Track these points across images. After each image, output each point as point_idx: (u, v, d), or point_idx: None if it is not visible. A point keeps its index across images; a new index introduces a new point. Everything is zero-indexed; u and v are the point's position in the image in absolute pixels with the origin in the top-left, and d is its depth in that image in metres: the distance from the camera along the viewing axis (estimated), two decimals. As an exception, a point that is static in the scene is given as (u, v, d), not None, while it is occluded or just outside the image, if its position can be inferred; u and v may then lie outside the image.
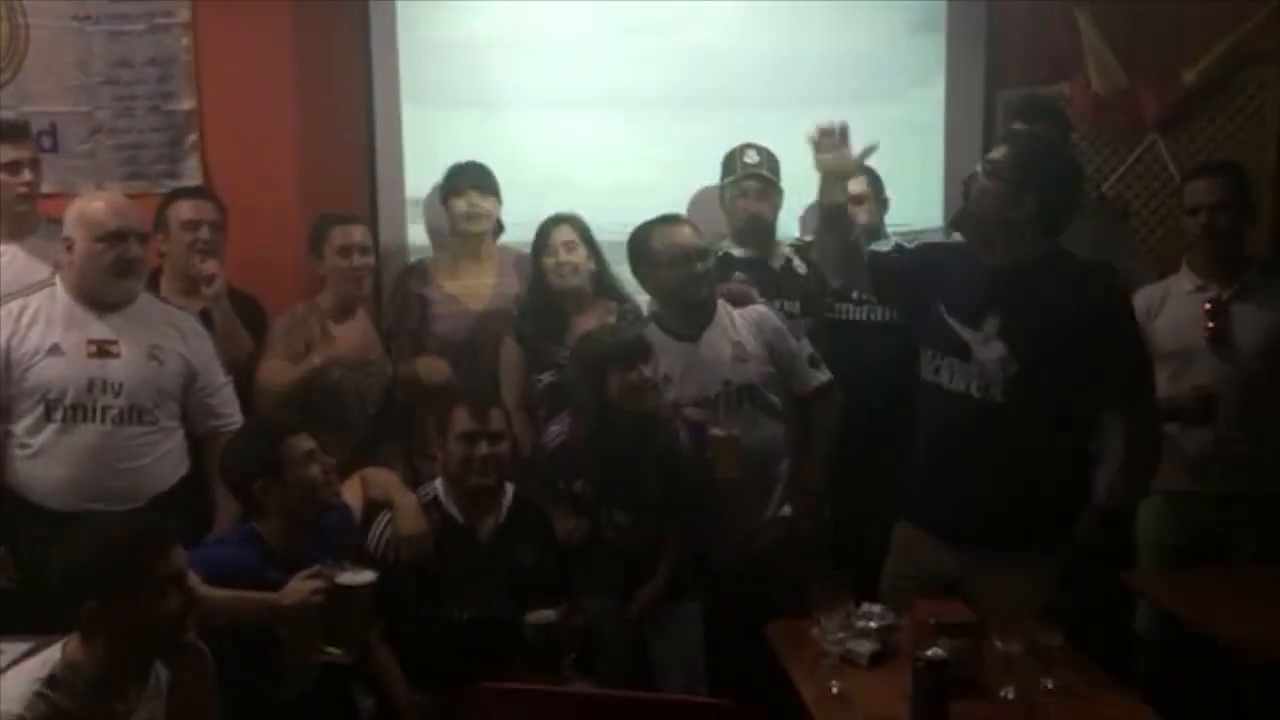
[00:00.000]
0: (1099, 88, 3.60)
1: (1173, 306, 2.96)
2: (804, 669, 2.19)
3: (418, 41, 3.60)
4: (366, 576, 2.26)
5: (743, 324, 2.93)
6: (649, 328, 2.94)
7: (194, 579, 1.95)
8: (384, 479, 2.77)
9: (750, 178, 3.27)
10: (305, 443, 2.45)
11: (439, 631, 2.59)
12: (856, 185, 3.34)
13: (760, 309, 2.99)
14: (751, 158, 3.29)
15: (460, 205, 3.26)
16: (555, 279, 3.08)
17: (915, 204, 3.62)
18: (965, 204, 2.48)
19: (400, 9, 3.58)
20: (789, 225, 3.48)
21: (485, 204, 3.26)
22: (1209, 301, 2.90)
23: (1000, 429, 2.36)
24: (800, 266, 3.28)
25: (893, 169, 3.36)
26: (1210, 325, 2.89)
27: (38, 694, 1.76)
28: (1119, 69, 3.58)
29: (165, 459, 2.70)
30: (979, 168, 2.43)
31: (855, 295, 3.21)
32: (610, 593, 2.77)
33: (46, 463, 2.60)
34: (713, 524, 2.83)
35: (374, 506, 2.69)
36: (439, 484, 2.75)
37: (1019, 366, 2.33)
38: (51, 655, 1.82)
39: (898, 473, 2.59)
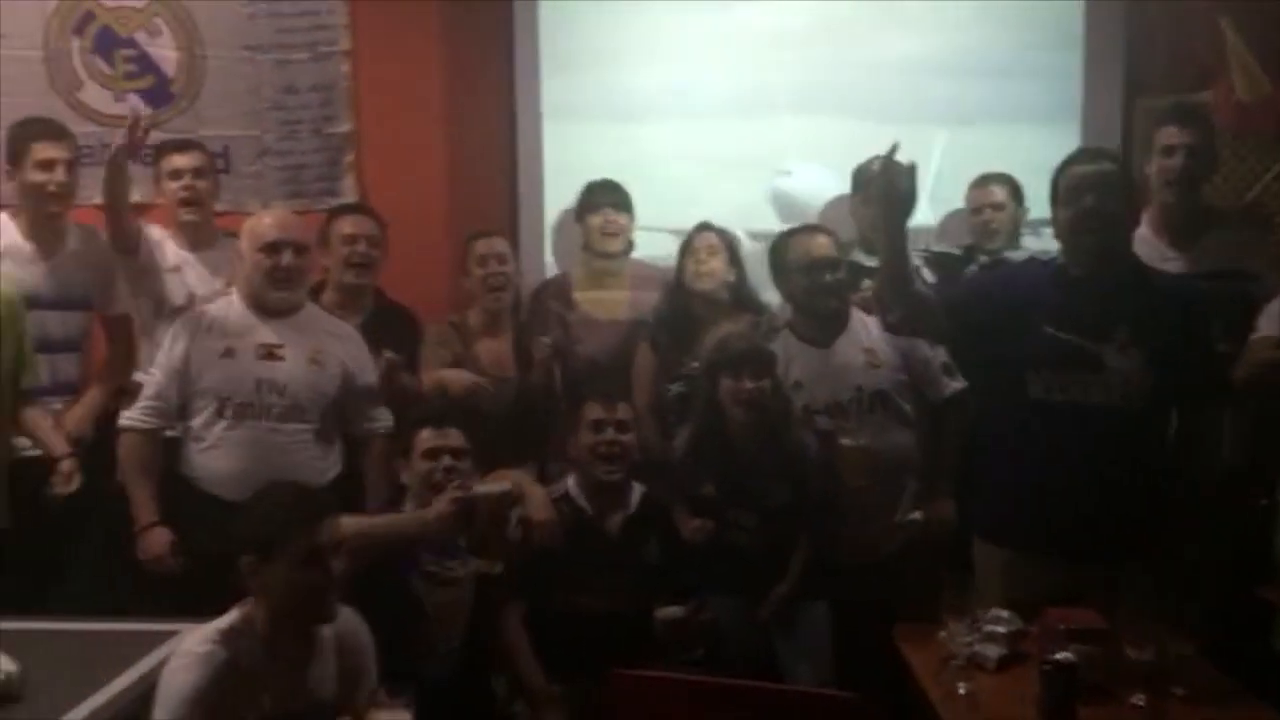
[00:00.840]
0: (1243, 94, 3.52)
1: None
2: (931, 670, 2.22)
3: (560, 70, 3.80)
4: (501, 486, 2.46)
5: (876, 331, 2.95)
6: (783, 333, 3.01)
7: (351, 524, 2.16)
8: (516, 476, 2.91)
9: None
10: (434, 439, 2.64)
11: (570, 622, 2.71)
12: (999, 192, 3.39)
13: None
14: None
15: (597, 221, 3.38)
16: (694, 282, 3.18)
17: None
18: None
19: (544, 45, 3.79)
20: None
21: (621, 220, 3.38)
22: None
23: (1138, 436, 2.40)
24: (928, 275, 3.30)
25: (1028, 171, 3.39)
26: None
27: (214, 644, 1.94)
28: (1263, 75, 3.50)
29: (323, 456, 2.88)
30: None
31: None
32: (736, 592, 2.83)
33: (218, 455, 2.80)
34: (843, 526, 2.88)
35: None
36: (570, 480, 2.90)
37: (1159, 371, 2.36)
38: (231, 615, 2.01)
39: (987, 495, 2.62)
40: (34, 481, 2.90)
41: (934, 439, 2.99)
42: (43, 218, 3.09)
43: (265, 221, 2.87)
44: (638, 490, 2.88)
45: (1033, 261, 2.75)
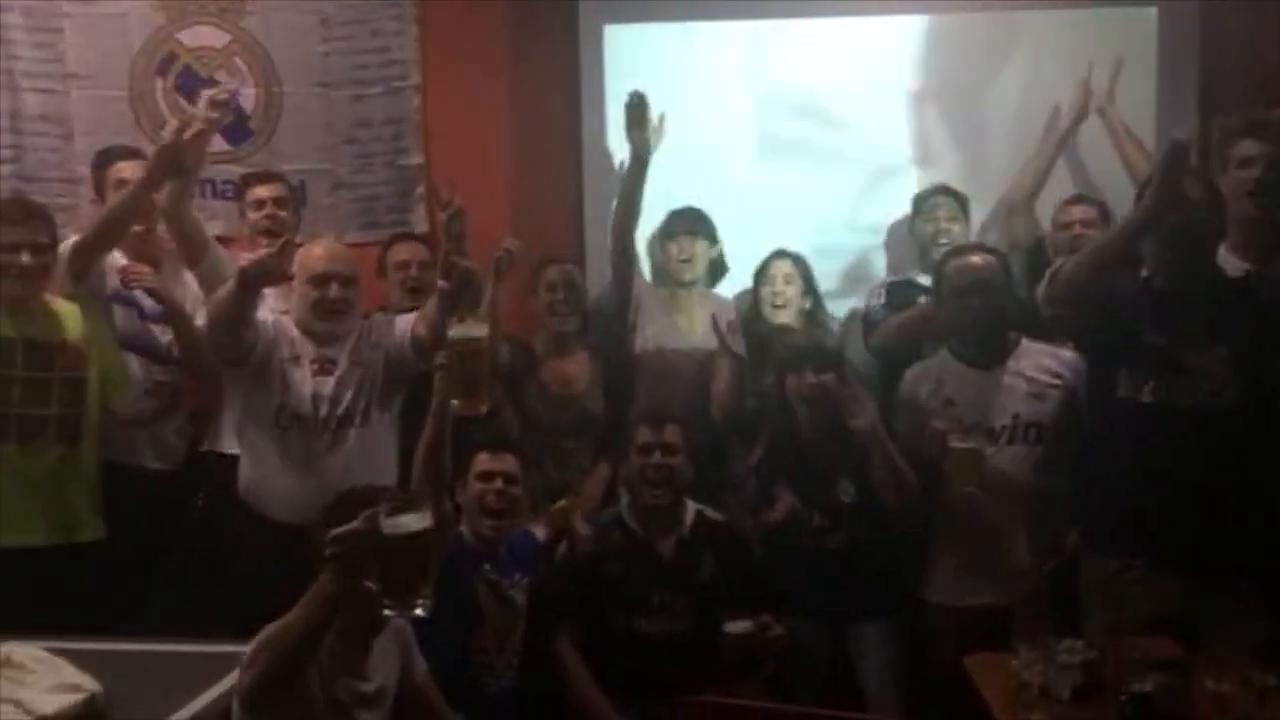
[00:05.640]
0: (1321, 110, 3.45)
1: None
2: (1003, 701, 2.19)
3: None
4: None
5: (1048, 362, 2.87)
6: (942, 351, 2.95)
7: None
8: (561, 507, 2.94)
9: (939, 193, 3.42)
10: (489, 463, 2.71)
11: (631, 644, 2.73)
12: (1089, 210, 3.39)
13: (1070, 354, 2.91)
14: (941, 191, 3.46)
15: (672, 249, 3.46)
16: (769, 310, 3.22)
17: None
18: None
19: (609, 68, 3.85)
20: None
21: (695, 248, 3.43)
22: None
23: (1230, 439, 2.39)
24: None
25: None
26: None
27: None
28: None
29: (376, 461, 2.78)
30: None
31: None
32: (806, 612, 2.81)
33: (273, 473, 2.79)
34: (966, 560, 2.83)
35: (557, 534, 2.89)
36: (623, 502, 2.94)
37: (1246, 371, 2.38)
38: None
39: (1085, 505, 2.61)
40: (128, 494, 3.02)
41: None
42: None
43: (314, 253, 2.86)
44: (691, 510, 2.88)
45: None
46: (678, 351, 3.37)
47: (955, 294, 2.88)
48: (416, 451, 2.63)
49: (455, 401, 2.41)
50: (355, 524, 1.84)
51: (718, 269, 3.52)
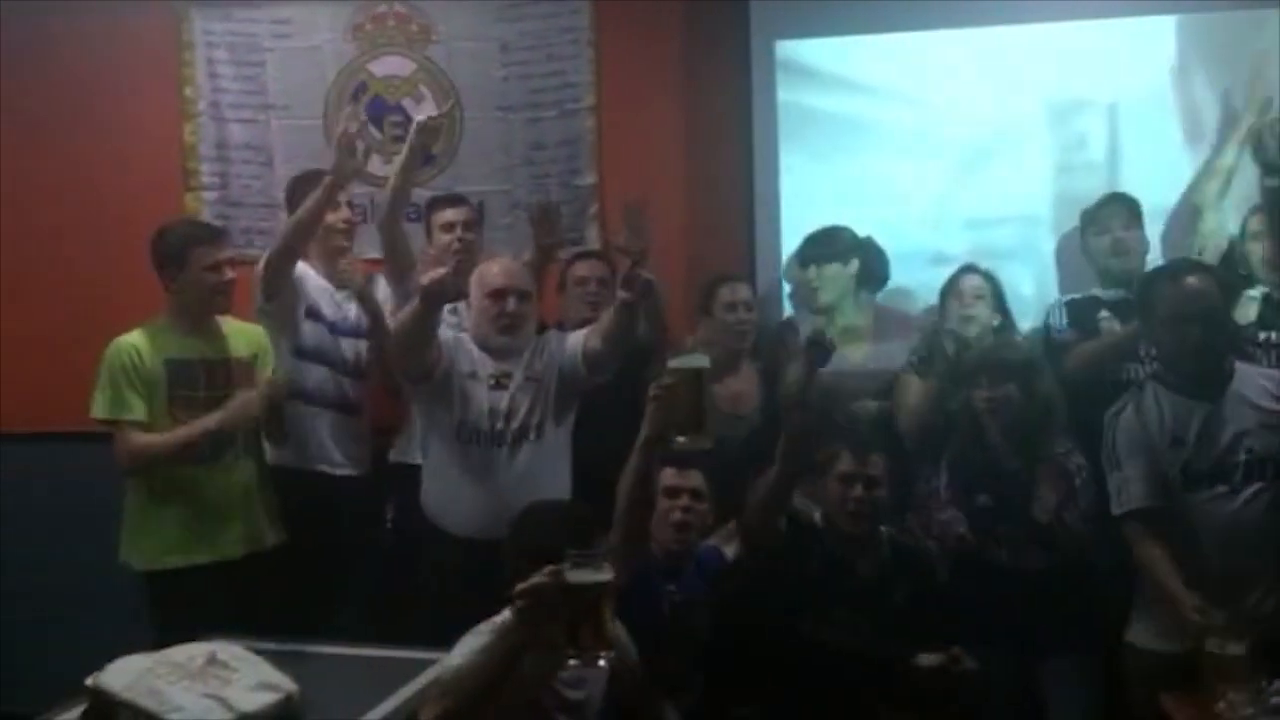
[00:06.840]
0: None
1: None
2: (1206, 744, 2.07)
3: (798, 118, 3.82)
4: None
5: (1270, 386, 2.64)
6: (1151, 382, 2.73)
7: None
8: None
9: (1111, 201, 3.28)
10: (676, 479, 2.71)
11: (816, 660, 2.66)
12: (1258, 223, 3.23)
13: None
14: (1114, 199, 3.32)
15: (803, 276, 3.48)
16: (957, 324, 3.16)
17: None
18: None
19: (781, 95, 3.82)
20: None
21: (824, 274, 3.44)
22: None
23: None
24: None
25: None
26: None
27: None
28: None
29: (550, 475, 2.88)
30: None
31: None
32: (996, 645, 2.70)
33: (450, 487, 2.89)
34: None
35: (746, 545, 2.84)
36: (816, 514, 2.87)
37: None
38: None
39: None
40: (314, 498, 3.16)
41: None
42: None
43: (493, 270, 2.98)
44: (885, 536, 2.83)
45: None
46: (838, 371, 3.31)
47: (1171, 322, 2.61)
48: (620, 481, 2.57)
49: (680, 438, 2.35)
50: (539, 577, 1.86)
51: (870, 280, 3.48)
